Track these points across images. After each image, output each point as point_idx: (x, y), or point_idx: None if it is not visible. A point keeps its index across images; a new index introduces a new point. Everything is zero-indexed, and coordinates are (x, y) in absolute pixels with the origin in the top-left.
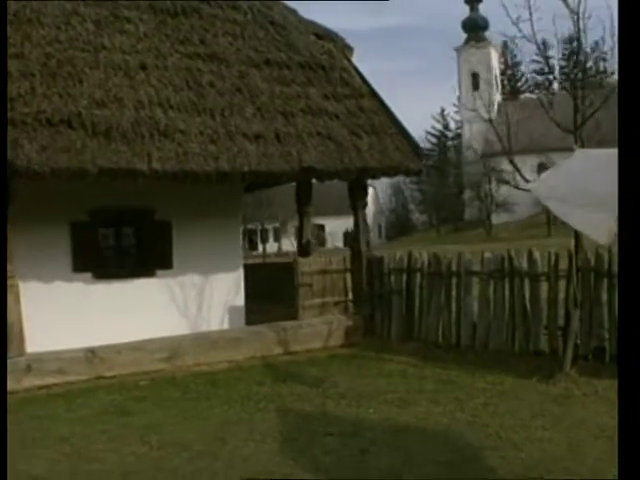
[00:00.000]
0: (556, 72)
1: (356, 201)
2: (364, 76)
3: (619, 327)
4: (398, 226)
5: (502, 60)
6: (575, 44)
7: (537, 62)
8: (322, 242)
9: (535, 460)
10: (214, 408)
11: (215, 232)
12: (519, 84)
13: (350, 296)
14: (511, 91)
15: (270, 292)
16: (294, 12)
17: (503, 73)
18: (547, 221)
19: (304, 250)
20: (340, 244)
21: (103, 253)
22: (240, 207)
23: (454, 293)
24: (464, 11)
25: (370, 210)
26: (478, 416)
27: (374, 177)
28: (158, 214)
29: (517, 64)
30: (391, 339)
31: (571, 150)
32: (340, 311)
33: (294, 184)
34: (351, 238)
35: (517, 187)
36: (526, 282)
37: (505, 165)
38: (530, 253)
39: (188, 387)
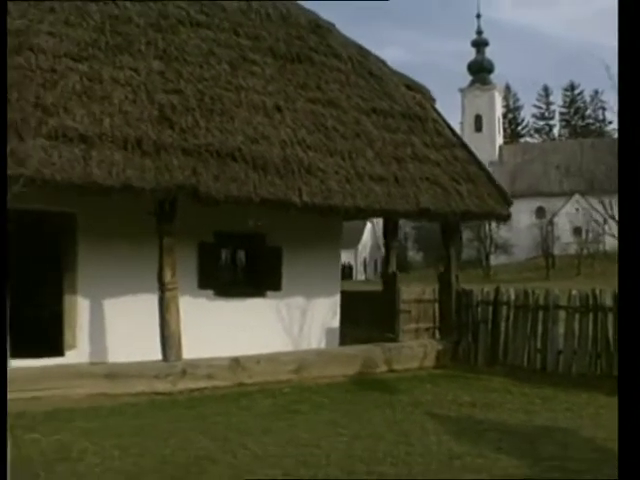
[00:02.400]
0: (556, 118)
1: (448, 240)
2: (452, 127)
3: (619, 333)
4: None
5: (504, 104)
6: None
7: (538, 107)
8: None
9: None
10: (370, 411)
11: (318, 259)
12: (519, 128)
13: (437, 323)
14: (512, 134)
15: (357, 317)
16: (384, 62)
17: (504, 116)
18: (546, 264)
19: (390, 280)
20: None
21: (223, 273)
22: (340, 237)
23: (540, 324)
24: (470, 53)
25: (367, 245)
26: (597, 420)
27: (470, 220)
28: (269, 240)
29: (518, 108)
30: (477, 363)
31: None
32: (429, 336)
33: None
34: (440, 272)
35: None
36: (609, 316)
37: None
38: (615, 292)
39: (329, 394)
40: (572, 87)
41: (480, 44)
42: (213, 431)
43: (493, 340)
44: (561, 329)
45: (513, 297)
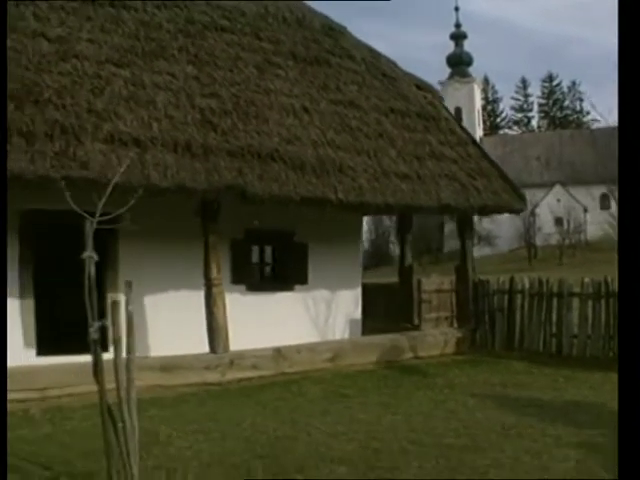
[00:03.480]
0: (535, 110)
1: (464, 233)
2: (463, 125)
3: (619, 328)
4: (377, 256)
5: (483, 96)
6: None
7: (516, 99)
8: None
9: None
10: (413, 393)
11: (340, 253)
12: (498, 120)
13: (455, 312)
14: (491, 127)
15: (374, 309)
16: (395, 63)
17: (483, 109)
18: (528, 255)
19: (406, 272)
20: None
21: (253, 268)
22: (360, 233)
23: (555, 311)
24: (447, 45)
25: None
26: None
27: (487, 214)
28: (297, 236)
29: (497, 100)
30: (495, 349)
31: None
32: (448, 325)
33: None
34: (457, 264)
35: None
36: None
37: None
38: None
39: (369, 380)
40: (550, 78)
41: (459, 37)
42: (278, 415)
43: (509, 327)
44: (575, 315)
45: (527, 286)
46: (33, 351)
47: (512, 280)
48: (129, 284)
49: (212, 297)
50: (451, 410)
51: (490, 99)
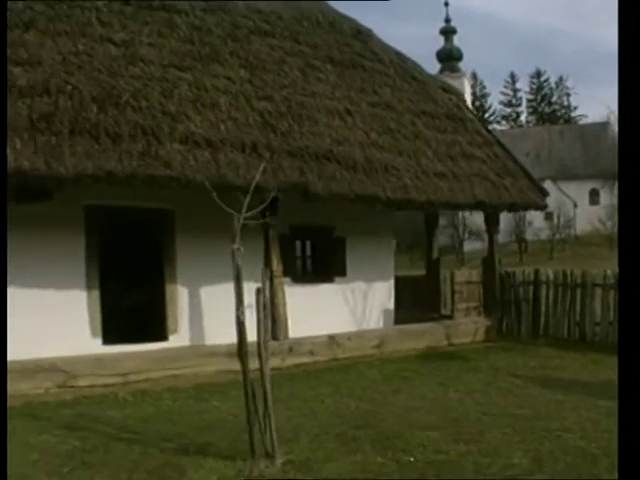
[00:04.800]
0: (523, 105)
1: (491, 228)
2: (487, 126)
3: (619, 325)
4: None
5: (471, 91)
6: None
7: (505, 94)
8: None
9: None
10: (463, 375)
11: (375, 247)
12: (487, 115)
13: (482, 302)
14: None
15: (402, 299)
16: (420, 66)
17: (472, 104)
18: (519, 249)
19: (433, 265)
20: None
21: (297, 261)
22: (393, 228)
23: (578, 300)
24: (433, 38)
25: None
26: None
27: (516, 210)
28: (336, 231)
29: (485, 95)
30: (521, 336)
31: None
32: (476, 314)
33: None
34: (484, 257)
35: None
36: None
37: None
38: None
39: (420, 364)
40: (538, 74)
41: (448, 32)
42: (353, 394)
43: (534, 316)
44: (597, 304)
45: (552, 277)
46: (99, 340)
47: (537, 272)
48: (266, 273)
49: (274, 288)
50: (504, 388)
51: (478, 94)
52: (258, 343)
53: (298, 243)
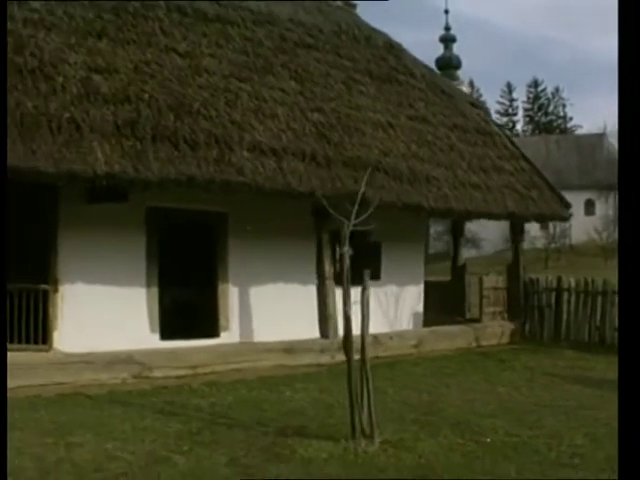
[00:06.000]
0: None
1: (516, 236)
2: (513, 140)
3: (619, 327)
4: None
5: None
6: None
7: (501, 103)
8: None
9: None
10: (501, 373)
11: (407, 252)
12: None
13: (507, 307)
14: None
15: (428, 303)
16: (449, 81)
17: None
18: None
19: (459, 271)
20: None
21: (335, 264)
22: (424, 234)
23: (599, 306)
24: (429, 43)
25: None
26: None
27: (542, 221)
28: (371, 236)
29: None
30: (543, 340)
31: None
32: (501, 318)
33: None
34: (509, 264)
35: None
36: None
37: None
38: None
39: (458, 363)
40: (536, 83)
41: (448, 40)
42: (408, 387)
43: (556, 320)
44: (616, 310)
45: (574, 284)
46: (157, 336)
47: (559, 279)
48: (367, 274)
49: (325, 289)
50: (544, 384)
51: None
52: (362, 335)
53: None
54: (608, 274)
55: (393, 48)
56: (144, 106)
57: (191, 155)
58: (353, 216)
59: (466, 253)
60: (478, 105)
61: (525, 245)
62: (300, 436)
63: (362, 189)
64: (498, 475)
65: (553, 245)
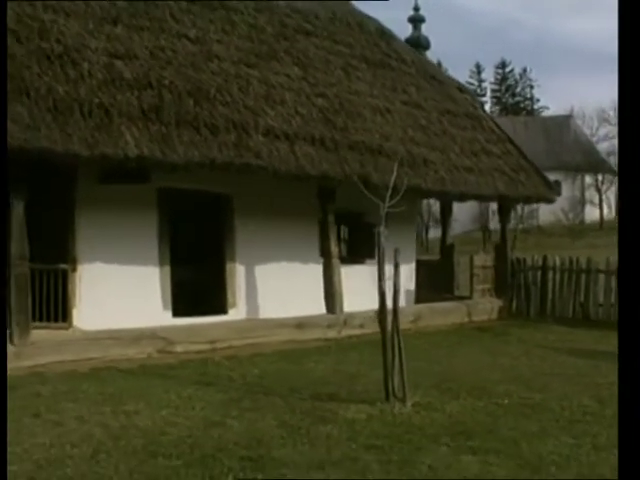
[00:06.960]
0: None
1: (504, 218)
2: (498, 124)
3: (619, 320)
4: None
5: None
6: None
7: (470, 84)
8: None
9: None
10: (499, 345)
11: (400, 232)
12: None
13: (495, 285)
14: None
15: (418, 282)
16: (439, 65)
17: None
18: (483, 238)
19: (447, 251)
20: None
21: (340, 243)
22: (416, 215)
23: (583, 284)
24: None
25: None
26: None
27: (530, 203)
28: (366, 217)
29: None
30: (530, 316)
31: None
32: (490, 295)
33: None
34: (497, 244)
35: None
36: None
37: None
38: None
39: (458, 336)
40: (503, 64)
41: (417, 20)
42: (419, 358)
43: (542, 297)
44: (600, 287)
45: (559, 263)
46: (169, 313)
47: (545, 258)
48: (397, 250)
49: (331, 267)
50: (540, 356)
51: None
52: (394, 309)
53: (335, 227)
54: (574, 254)
55: (384, 34)
56: (166, 92)
57: (212, 139)
58: (387, 199)
59: (434, 233)
60: (465, 90)
61: (493, 225)
62: (335, 401)
63: (394, 173)
64: (522, 430)
65: (521, 226)
